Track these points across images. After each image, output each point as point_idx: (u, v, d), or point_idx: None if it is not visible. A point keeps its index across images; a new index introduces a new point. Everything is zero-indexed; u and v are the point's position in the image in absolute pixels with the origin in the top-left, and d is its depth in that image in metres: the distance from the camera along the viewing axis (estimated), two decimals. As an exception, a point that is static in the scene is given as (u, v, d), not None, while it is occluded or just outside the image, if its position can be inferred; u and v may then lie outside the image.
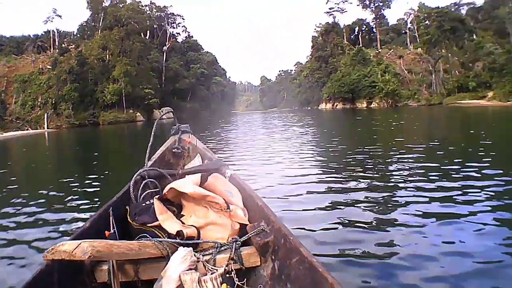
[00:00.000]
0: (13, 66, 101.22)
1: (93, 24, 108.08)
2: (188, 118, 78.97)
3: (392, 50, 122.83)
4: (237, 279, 2.56)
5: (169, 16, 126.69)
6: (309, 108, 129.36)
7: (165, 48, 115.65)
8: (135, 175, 3.84)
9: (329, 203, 6.98)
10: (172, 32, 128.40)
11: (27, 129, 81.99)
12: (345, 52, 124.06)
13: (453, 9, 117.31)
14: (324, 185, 8.49)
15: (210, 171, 4.13)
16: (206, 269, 2.68)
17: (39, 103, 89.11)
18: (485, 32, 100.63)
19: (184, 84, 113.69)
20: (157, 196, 3.56)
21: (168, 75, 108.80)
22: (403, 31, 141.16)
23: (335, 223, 5.89)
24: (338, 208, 6.62)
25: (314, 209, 6.62)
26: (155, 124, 5.18)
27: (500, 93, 76.28)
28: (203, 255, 2.79)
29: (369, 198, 7.16)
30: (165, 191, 3.63)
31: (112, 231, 2.96)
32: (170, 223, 3.22)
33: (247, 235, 2.97)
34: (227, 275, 2.60)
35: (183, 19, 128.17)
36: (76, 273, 2.59)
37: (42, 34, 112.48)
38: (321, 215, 6.36)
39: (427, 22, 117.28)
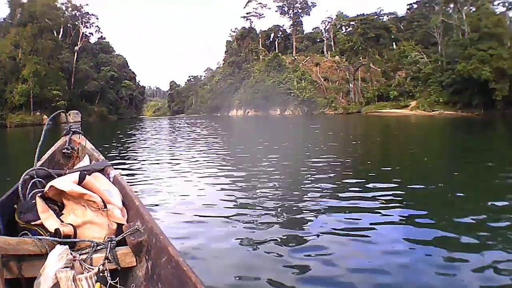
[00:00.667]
0: None
1: (10, 21, 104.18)
2: (95, 123, 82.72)
3: (309, 57, 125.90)
4: (110, 278, 2.69)
5: (84, 15, 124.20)
6: (218, 114, 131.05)
7: (76, 48, 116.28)
8: (24, 175, 3.88)
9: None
10: (85, 32, 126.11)
11: None
12: (259, 58, 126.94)
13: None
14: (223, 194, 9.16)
15: (95, 171, 4.23)
16: (83, 268, 2.79)
17: None
18: (407, 42, 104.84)
19: (93, 87, 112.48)
20: (39, 194, 3.47)
21: (78, 76, 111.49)
22: (318, 40, 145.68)
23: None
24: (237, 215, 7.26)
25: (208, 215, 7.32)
26: (46, 123, 5.77)
27: (424, 103, 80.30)
28: (79, 254, 2.89)
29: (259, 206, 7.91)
30: (45, 189, 3.53)
31: None
32: (50, 221, 3.22)
33: (122, 235, 3.10)
34: (101, 275, 2.70)
35: (97, 18, 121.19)
36: None
37: None
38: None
39: (346, 30, 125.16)
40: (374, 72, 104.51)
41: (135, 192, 3.99)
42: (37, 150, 4.52)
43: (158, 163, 14.96)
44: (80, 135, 5.48)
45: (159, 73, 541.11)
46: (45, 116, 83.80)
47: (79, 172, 3.75)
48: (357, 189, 9.10)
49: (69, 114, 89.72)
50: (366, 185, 9.47)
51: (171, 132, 38.90)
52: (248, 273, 4.89)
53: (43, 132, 4.80)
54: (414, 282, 4.54)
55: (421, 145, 21.33)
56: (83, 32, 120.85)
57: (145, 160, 16.07)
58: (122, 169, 12.97)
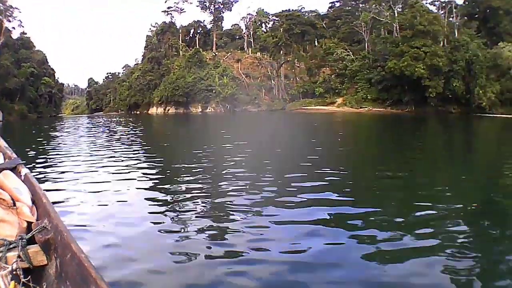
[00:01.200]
0: None
1: None
2: (15, 122, 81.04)
3: (230, 53, 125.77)
4: (22, 276, 2.66)
5: (7, 8, 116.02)
6: (138, 112, 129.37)
7: None
8: None
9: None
10: (8, 26, 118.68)
11: None
12: (180, 53, 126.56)
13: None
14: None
15: (5, 169, 4.02)
16: None
17: None
18: (329, 40, 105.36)
19: (14, 84, 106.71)
20: None
21: None
22: (238, 36, 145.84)
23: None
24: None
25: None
26: None
27: (351, 100, 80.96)
28: None
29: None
30: None
31: None
32: None
33: (31, 233, 3.04)
34: (14, 273, 2.67)
35: (20, 12, 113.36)
36: None
37: None
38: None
39: (266, 27, 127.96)
40: (299, 69, 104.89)
41: (45, 190, 3.78)
42: None
43: (74, 162, 15.46)
44: None
45: (78, 70, 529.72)
46: None
47: None
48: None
49: None
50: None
51: (90, 131, 39.28)
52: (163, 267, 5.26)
53: None
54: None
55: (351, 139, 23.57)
56: (5, 27, 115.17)
57: (62, 159, 16.54)
58: (43, 167, 13.26)
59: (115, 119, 72.51)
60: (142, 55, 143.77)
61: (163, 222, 7.09)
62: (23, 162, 4.48)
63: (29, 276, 2.67)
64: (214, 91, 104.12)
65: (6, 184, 3.52)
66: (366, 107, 75.55)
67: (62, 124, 60.85)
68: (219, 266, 5.32)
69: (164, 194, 9.29)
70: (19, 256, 2.77)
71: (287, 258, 5.51)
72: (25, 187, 3.70)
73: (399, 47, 70.72)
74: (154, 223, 7.03)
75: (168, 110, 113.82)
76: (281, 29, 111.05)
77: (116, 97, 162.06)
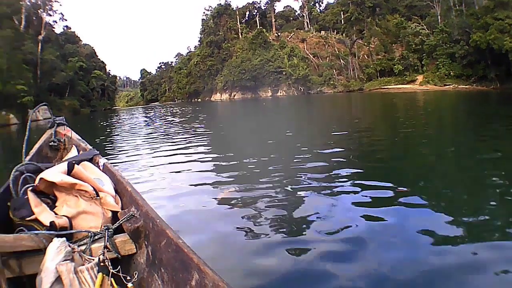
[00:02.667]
0: None
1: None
2: (67, 118, 72.54)
3: (293, 33, 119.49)
4: (111, 267, 2.70)
5: (46, 1, 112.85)
6: (198, 99, 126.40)
7: (40, 37, 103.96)
8: (14, 171, 3.82)
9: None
10: (48, 20, 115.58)
11: None
12: (239, 36, 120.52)
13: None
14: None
15: (83, 161, 4.23)
16: (83, 259, 2.80)
17: None
18: (399, 14, 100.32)
19: (62, 79, 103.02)
20: (29, 189, 3.51)
21: (44, 68, 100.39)
22: (291, 18, 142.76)
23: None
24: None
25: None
26: (29, 119, 5.61)
27: (433, 77, 76.27)
28: (78, 245, 2.93)
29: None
30: (36, 182, 3.58)
31: None
32: (44, 215, 3.23)
33: (118, 222, 3.15)
34: (102, 264, 2.72)
35: (61, 5, 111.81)
36: None
37: None
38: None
39: (319, 7, 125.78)
40: (373, 46, 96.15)
41: (127, 179, 3.92)
42: (23, 146, 4.58)
43: (145, 153, 15.08)
44: (65, 126, 5.52)
45: (128, 62, 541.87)
46: (11, 115, 76.12)
47: (66, 162, 3.81)
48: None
49: (38, 111, 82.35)
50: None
51: (152, 123, 37.38)
52: (246, 256, 5.08)
53: (27, 127, 4.76)
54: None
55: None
56: (46, 21, 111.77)
57: (130, 151, 16.26)
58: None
59: (178, 108, 70.35)
60: (199, 40, 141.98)
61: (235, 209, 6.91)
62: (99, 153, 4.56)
63: (119, 266, 2.71)
64: (284, 73, 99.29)
65: (87, 175, 3.64)
66: (450, 85, 70.65)
67: (121, 116, 61.11)
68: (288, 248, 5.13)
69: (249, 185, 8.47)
70: (106, 247, 2.83)
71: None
72: (107, 177, 3.81)
73: (481, 19, 64.87)
74: (226, 208, 6.96)
75: (234, 96, 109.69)
76: (350, 2, 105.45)
77: (171, 86, 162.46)
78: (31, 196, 3.28)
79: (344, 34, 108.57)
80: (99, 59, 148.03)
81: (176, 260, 2.47)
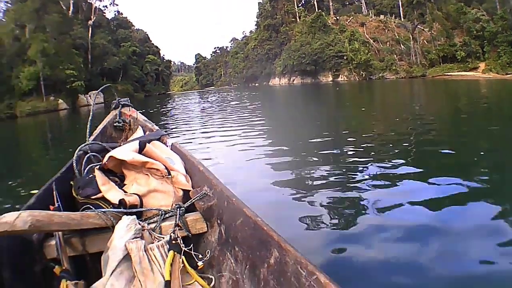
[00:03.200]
0: None
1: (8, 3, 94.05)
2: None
3: (352, 17, 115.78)
4: (183, 245, 2.75)
5: None
6: (256, 84, 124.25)
7: (90, 22, 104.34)
8: (77, 150, 4.01)
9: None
10: (98, 5, 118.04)
11: None
12: (297, 19, 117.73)
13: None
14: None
15: (152, 140, 4.34)
16: (152, 237, 2.86)
17: None
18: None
19: (114, 63, 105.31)
20: (97, 167, 3.67)
21: (95, 53, 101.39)
22: (347, 2, 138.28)
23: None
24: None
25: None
26: (93, 99, 6.89)
27: (495, 65, 73.13)
28: (148, 223, 2.99)
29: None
30: (104, 160, 3.75)
31: (56, 205, 3.09)
32: (112, 193, 3.32)
33: (190, 201, 3.21)
34: (174, 242, 2.76)
35: None
36: (25, 250, 2.72)
37: None
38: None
39: None
40: (438, 30, 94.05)
41: (197, 158, 4.07)
42: (88, 125, 4.74)
43: (200, 137, 15.08)
44: (130, 107, 5.75)
45: (183, 48, 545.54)
46: (60, 101, 77.54)
47: (138, 141, 3.98)
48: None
49: (90, 96, 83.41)
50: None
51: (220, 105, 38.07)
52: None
53: (92, 107, 5.31)
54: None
55: None
56: (96, 6, 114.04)
57: (186, 133, 16.50)
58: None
59: (236, 92, 70.08)
60: (256, 24, 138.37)
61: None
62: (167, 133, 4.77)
63: (191, 245, 2.76)
64: (345, 58, 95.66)
65: (158, 154, 3.80)
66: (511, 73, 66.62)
67: (177, 100, 61.80)
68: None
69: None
70: (177, 225, 2.89)
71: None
72: (177, 156, 3.97)
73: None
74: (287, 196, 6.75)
75: (293, 80, 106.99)
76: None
77: (227, 71, 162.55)
78: (98, 174, 3.39)
79: (406, 18, 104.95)
80: (152, 44, 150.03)
81: (253, 238, 2.48)
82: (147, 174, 3.54)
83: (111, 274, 2.46)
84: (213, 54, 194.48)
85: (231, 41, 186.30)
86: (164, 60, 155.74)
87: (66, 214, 2.54)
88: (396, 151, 10.27)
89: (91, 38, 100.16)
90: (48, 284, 2.65)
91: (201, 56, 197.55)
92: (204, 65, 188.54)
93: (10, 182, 10.38)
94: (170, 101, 64.01)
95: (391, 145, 11.16)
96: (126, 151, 3.67)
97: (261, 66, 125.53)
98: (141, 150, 3.79)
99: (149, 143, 3.96)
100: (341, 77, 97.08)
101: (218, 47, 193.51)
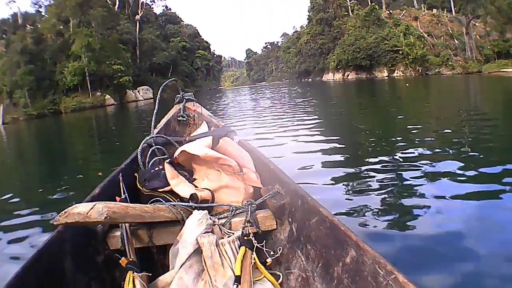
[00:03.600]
0: None
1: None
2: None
3: (405, 11, 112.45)
4: (255, 241, 2.77)
5: None
6: (309, 80, 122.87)
7: (137, 17, 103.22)
8: (142, 143, 4.16)
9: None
10: (145, 1, 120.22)
11: None
12: (349, 13, 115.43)
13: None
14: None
15: (222, 137, 4.26)
16: (222, 232, 2.91)
17: None
18: None
19: (163, 58, 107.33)
20: (167, 160, 3.82)
21: (143, 48, 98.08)
22: None
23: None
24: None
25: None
26: (159, 92, 5.72)
27: None
28: (218, 219, 3.03)
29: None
30: (176, 154, 3.87)
31: (123, 196, 3.20)
32: (182, 187, 3.42)
33: (262, 198, 3.20)
34: (245, 238, 2.79)
35: None
36: (89, 240, 2.81)
37: (8, 17, 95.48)
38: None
39: None
40: (492, 25, 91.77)
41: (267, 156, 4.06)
42: (153, 119, 4.84)
43: (255, 132, 14.69)
44: (195, 102, 5.90)
45: (233, 43, 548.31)
46: (107, 96, 78.56)
47: (211, 136, 4.01)
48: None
49: (138, 91, 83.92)
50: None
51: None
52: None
53: (156, 101, 5.44)
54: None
55: None
56: (143, 1, 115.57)
57: (242, 129, 16.06)
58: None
59: (292, 88, 67.22)
60: (308, 18, 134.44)
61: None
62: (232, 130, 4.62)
63: (264, 241, 2.80)
64: (401, 52, 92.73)
65: (230, 150, 3.79)
66: None
67: (229, 95, 61.25)
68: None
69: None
70: (248, 221, 2.91)
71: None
72: (246, 153, 3.89)
73: None
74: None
75: (348, 75, 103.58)
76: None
77: (278, 66, 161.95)
78: (168, 168, 3.55)
79: (459, 12, 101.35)
80: (202, 39, 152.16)
81: (329, 238, 2.46)
82: (218, 170, 3.66)
83: (180, 267, 2.55)
84: (263, 49, 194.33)
85: (282, 36, 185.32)
86: (215, 55, 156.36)
87: (139, 206, 2.67)
88: (469, 149, 9.67)
89: (138, 33, 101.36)
90: (110, 274, 2.80)
91: (252, 51, 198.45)
92: (255, 60, 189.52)
93: (64, 178, 10.48)
94: (222, 96, 63.11)
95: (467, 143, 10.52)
96: (199, 147, 3.76)
97: (314, 61, 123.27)
98: (214, 146, 3.86)
99: (221, 138, 4.01)
100: (397, 73, 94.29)
101: (269, 42, 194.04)
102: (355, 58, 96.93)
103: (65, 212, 2.11)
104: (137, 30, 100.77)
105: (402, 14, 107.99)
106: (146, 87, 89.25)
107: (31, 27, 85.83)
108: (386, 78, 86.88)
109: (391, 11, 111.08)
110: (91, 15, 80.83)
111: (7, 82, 73.39)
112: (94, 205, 2.17)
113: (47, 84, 73.32)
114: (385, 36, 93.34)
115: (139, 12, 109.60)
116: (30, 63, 72.82)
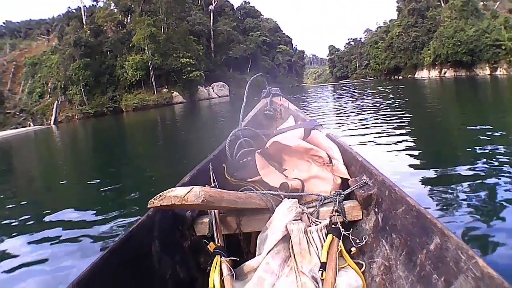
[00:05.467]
0: (25, 48, 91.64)
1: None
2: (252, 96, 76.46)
3: (499, 1, 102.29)
4: (343, 229, 2.82)
5: None
6: (399, 77, 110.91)
7: (211, 7, 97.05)
8: (230, 135, 4.25)
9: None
10: None
11: (28, 125, 71.17)
12: (442, 3, 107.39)
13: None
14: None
15: (312, 129, 4.48)
16: (310, 221, 2.95)
17: (48, 89, 76.04)
18: None
19: (240, 51, 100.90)
20: (258, 151, 3.97)
21: (218, 40, 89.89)
22: None
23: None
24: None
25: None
26: (247, 86, 5.67)
27: None
28: (307, 207, 3.07)
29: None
30: (267, 145, 4.05)
31: (213, 184, 3.34)
32: (272, 177, 3.58)
33: (350, 188, 3.22)
34: (333, 226, 2.84)
35: None
36: (176, 226, 2.97)
37: (71, 12, 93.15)
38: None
39: None
40: None
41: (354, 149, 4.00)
42: (241, 112, 4.93)
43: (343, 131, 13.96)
44: (281, 97, 6.19)
45: (313, 40, 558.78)
46: (175, 93, 75.11)
47: (303, 128, 4.28)
48: None
49: (212, 87, 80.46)
50: None
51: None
52: None
53: (245, 95, 5.25)
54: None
55: None
56: None
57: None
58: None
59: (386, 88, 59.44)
60: (397, 9, 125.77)
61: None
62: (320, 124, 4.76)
63: (351, 229, 2.84)
64: (503, 48, 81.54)
65: (321, 142, 3.90)
66: None
67: (315, 93, 54.15)
68: None
69: None
70: (336, 211, 2.96)
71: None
72: (334, 144, 3.92)
73: None
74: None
75: (445, 73, 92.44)
76: None
77: (362, 63, 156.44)
78: (258, 158, 3.74)
79: None
80: (283, 33, 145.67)
81: (414, 226, 2.47)
82: (308, 161, 3.75)
83: (268, 252, 2.59)
84: (346, 45, 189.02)
85: (364, 32, 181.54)
86: (297, 51, 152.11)
87: (233, 193, 2.74)
88: None
89: (213, 25, 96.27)
90: (195, 260, 2.93)
91: (335, 47, 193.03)
92: (338, 57, 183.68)
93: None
94: (304, 94, 54.04)
95: None
96: (291, 137, 3.98)
97: (406, 56, 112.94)
98: (305, 137, 4.04)
99: (312, 130, 4.20)
100: (500, 70, 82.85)
101: (351, 39, 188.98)
102: (456, 52, 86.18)
103: (160, 195, 2.22)
104: (211, 21, 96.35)
105: (496, 6, 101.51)
106: (222, 83, 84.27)
107: (88, 18, 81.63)
108: (489, 76, 79.22)
109: (485, 2, 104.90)
110: (157, 2, 76.12)
111: (61, 77, 70.53)
112: (192, 189, 2.26)
113: (106, 79, 69.73)
114: (485, 29, 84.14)
115: (213, 2, 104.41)
116: (86, 56, 69.17)
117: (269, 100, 6.10)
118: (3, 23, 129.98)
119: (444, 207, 5.52)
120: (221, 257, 2.52)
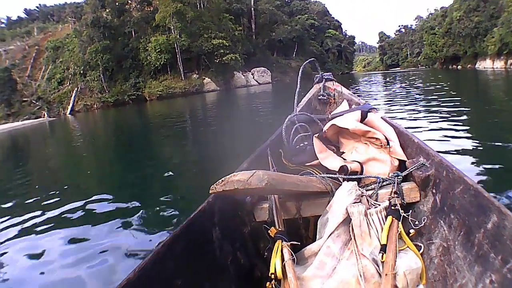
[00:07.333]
0: (49, 31, 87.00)
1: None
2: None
3: None
4: (402, 211, 2.82)
5: None
6: (458, 67, 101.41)
7: None
8: (286, 120, 4.23)
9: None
10: None
11: (43, 115, 65.76)
12: None
13: None
14: None
15: (369, 112, 4.34)
16: (369, 203, 2.94)
17: (69, 75, 70.02)
18: None
19: (285, 33, 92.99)
20: (316, 135, 3.99)
21: (259, 21, 79.60)
22: None
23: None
24: None
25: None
26: (300, 71, 5.51)
27: None
28: (366, 190, 3.06)
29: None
30: (325, 128, 4.03)
31: (272, 170, 3.37)
32: (331, 160, 3.61)
33: (408, 170, 3.21)
34: (393, 208, 2.84)
35: None
36: (236, 212, 3.02)
37: None
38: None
39: None
40: None
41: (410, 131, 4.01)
42: (295, 97, 5.05)
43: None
44: (334, 81, 5.95)
45: (363, 27, 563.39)
46: (206, 80, 67.08)
47: (360, 110, 4.19)
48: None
49: (252, 73, 71.88)
50: None
51: None
52: None
53: (298, 80, 5.31)
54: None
55: None
56: None
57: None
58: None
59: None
60: None
61: None
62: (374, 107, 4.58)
63: (410, 211, 2.85)
64: None
65: (378, 124, 3.89)
66: None
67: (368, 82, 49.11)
68: None
69: None
70: (395, 193, 2.96)
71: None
72: (390, 127, 3.92)
73: None
74: None
75: (511, 64, 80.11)
76: None
77: (413, 51, 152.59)
78: (316, 142, 3.83)
79: None
80: (333, 17, 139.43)
81: (472, 205, 2.48)
82: (366, 143, 3.78)
83: (329, 236, 2.66)
84: (397, 32, 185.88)
85: (415, 19, 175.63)
86: (347, 36, 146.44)
87: (295, 176, 2.80)
88: None
89: (253, 3, 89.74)
90: (255, 245, 3.00)
91: (385, 34, 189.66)
92: (388, 44, 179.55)
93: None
94: (354, 85, 45.00)
95: None
96: (349, 120, 3.94)
97: (466, 44, 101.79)
98: (362, 119, 3.99)
99: (368, 112, 4.12)
100: None
101: (402, 25, 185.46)
102: (524, 41, 74.15)
103: (222, 180, 2.31)
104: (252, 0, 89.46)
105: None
106: (263, 68, 77.03)
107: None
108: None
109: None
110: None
111: (80, 62, 64.82)
112: (255, 173, 2.32)
113: (129, 64, 65.05)
114: (552, 14, 75.39)
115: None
116: (106, 38, 63.77)
117: (322, 85, 5.73)
118: (36, 7, 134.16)
119: (499, 188, 5.32)
120: (282, 242, 2.54)
